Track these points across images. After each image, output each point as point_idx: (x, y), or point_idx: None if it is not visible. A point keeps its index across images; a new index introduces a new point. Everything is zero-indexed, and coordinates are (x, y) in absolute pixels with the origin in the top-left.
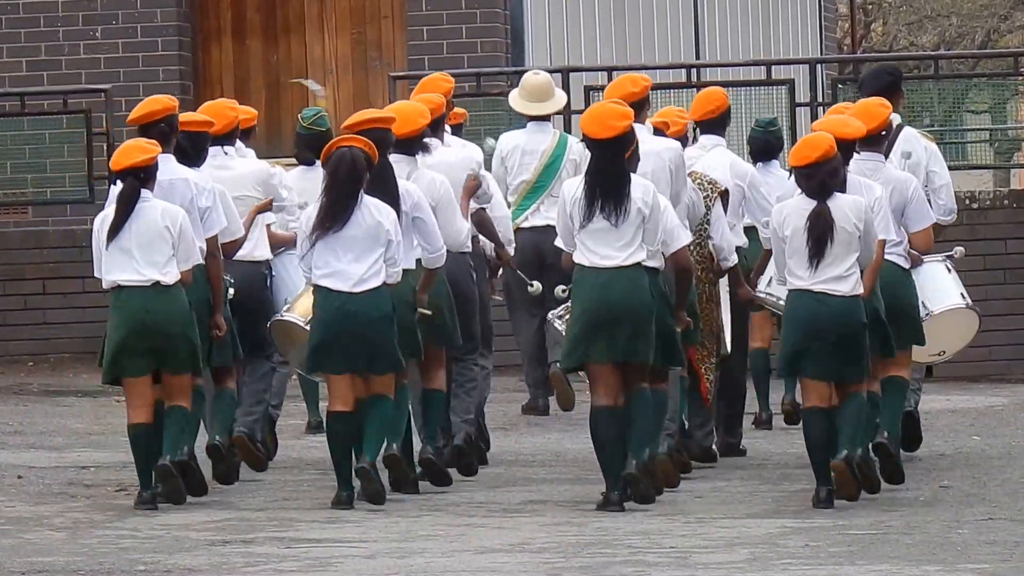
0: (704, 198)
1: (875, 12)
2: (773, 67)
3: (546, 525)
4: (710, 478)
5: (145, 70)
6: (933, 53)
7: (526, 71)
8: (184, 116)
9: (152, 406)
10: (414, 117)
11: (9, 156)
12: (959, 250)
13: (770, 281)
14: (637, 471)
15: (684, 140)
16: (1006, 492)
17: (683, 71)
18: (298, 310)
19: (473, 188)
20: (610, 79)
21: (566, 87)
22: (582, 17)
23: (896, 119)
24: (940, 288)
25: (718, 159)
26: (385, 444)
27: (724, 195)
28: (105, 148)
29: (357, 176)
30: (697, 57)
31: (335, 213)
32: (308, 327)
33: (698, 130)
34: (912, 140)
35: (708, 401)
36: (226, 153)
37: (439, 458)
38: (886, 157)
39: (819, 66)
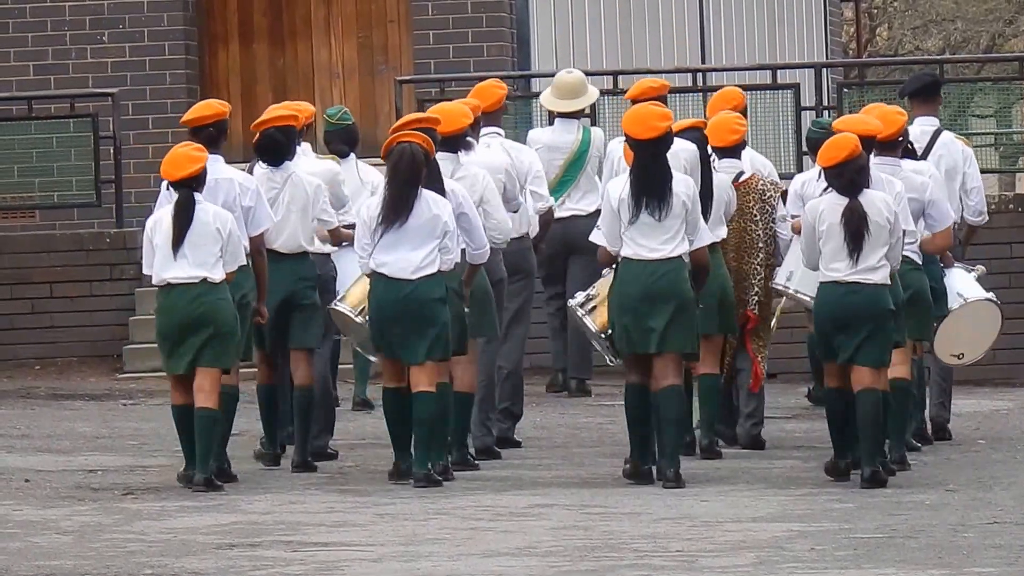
0: (768, 199)
1: (880, 16)
2: (779, 71)
3: (553, 529)
4: (716, 482)
5: (152, 74)
6: (938, 57)
7: (532, 75)
8: (269, 113)
9: (192, 389)
10: (457, 116)
11: (16, 160)
12: (981, 268)
13: (790, 275)
14: (671, 476)
15: (743, 146)
16: (1012, 496)
17: (689, 75)
18: (350, 300)
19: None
20: (615, 83)
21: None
22: (588, 21)
23: (935, 124)
24: (972, 285)
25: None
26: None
27: (784, 195)
28: (112, 152)
29: (417, 169)
30: (703, 61)
31: (398, 207)
32: (359, 317)
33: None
34: (949, 144)
35: (757, 388)
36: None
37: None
38: (924, 158)
39: (824, 70)
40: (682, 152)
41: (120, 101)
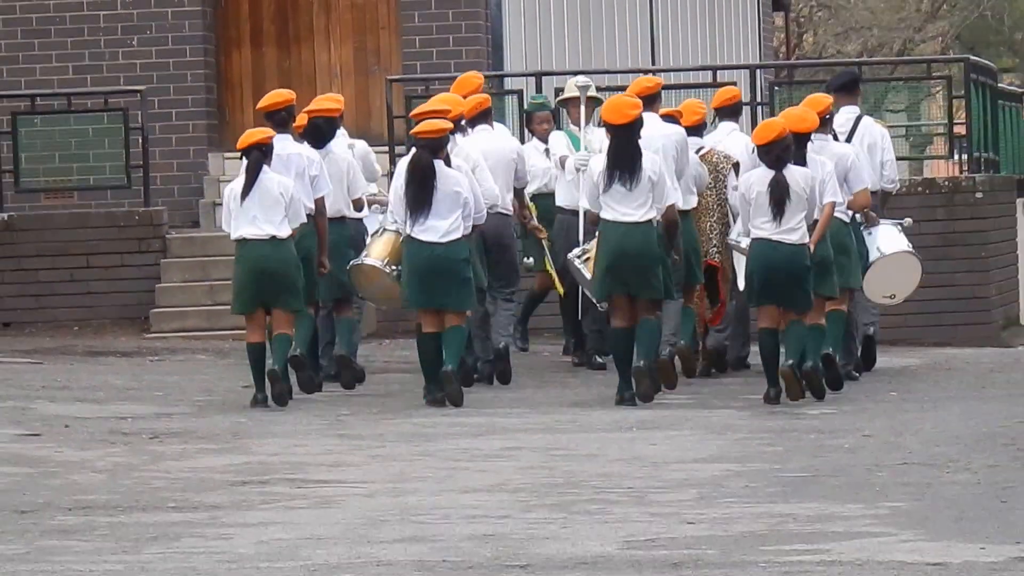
0: (720, 169)
1: (807, 24)
2: (719, 71)
3: (521, 468)
4: (663, 428)
5: (175, 73)
6: (857, 60)
7: (505, 75)
8: (317, 103)
9: (264, 329)
10: (455, 105)
11: (57, 148)
12: (908, 220)
13: (739, 234)
14: (643, 367)
15: (704, 127)
16: (919, 441)
17: (640, 74)
18: (374, 254)
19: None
20: None
21: (539, 89)
22: (553, 27)
23: (856, 111)
24: (892, 239)
25: (737, 141)
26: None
27: (736, 166)
28: (140, 141)
29: (427, 173)
30: (653, 62)
31: (418, 204)
32: (386, 267)
33: (717, 117)
34: (870, 126)
35: (718, 322)
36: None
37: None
38: (849, 140)
39: (758, 71)
40: (673, 134)
41: (147, 97)
